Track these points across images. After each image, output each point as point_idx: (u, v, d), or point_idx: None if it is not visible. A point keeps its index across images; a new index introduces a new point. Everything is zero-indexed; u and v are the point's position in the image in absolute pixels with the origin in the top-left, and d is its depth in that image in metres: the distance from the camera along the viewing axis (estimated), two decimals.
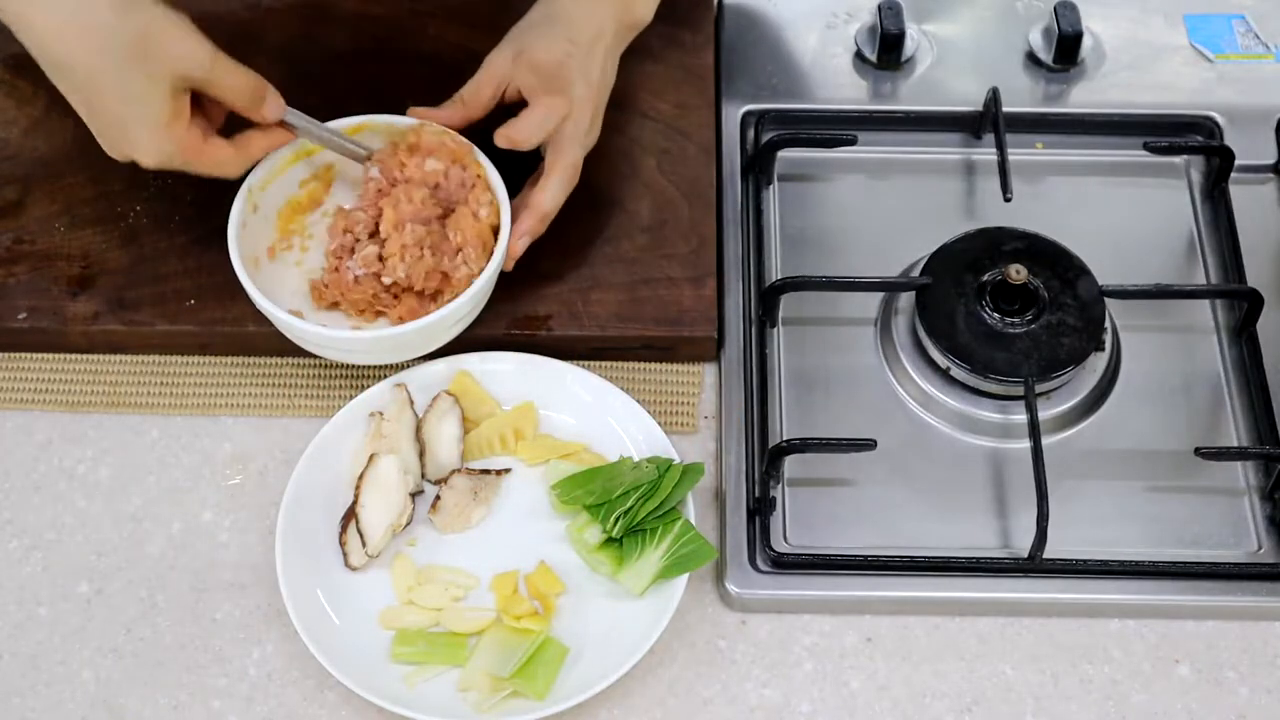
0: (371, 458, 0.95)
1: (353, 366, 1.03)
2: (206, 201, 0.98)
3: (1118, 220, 1.10)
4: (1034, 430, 0.96)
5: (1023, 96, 1.15)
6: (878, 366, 1.03)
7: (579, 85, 0.99)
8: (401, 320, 0.97)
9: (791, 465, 0.97)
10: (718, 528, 0.97)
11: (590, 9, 1.01)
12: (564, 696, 0.88)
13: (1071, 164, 1.13)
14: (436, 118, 1.01)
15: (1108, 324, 1.02)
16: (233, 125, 0.97)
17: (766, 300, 1.03)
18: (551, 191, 1.00)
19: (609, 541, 0.93)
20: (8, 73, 1.15)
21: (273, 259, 1.01)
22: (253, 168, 0.98)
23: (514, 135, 0.99)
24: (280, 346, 1.00)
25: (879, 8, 1.17)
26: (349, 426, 0.98)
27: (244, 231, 0.98)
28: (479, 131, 1.02)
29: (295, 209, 1.03)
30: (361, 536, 0.93)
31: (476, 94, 1.01)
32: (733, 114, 1.15)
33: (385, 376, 1.00)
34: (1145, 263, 1.08)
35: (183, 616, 0.94)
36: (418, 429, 0.98)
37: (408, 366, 1.00)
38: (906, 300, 1.04)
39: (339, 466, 0.97)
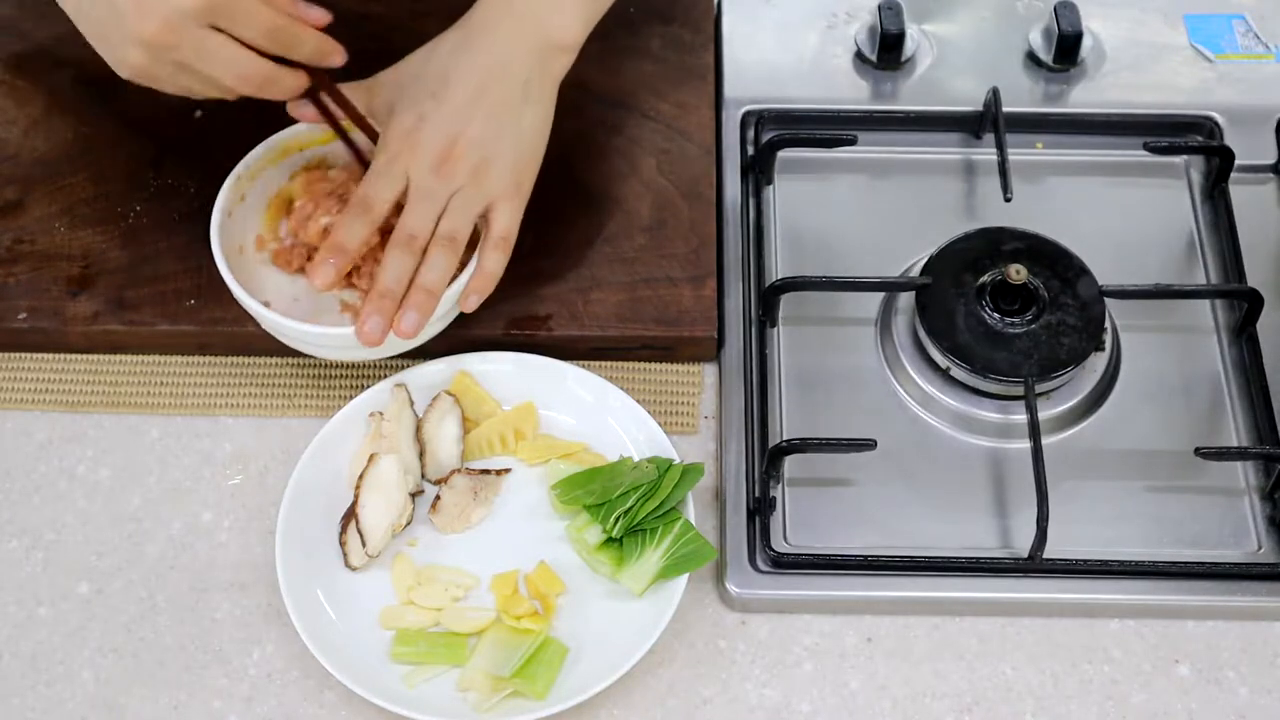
0: (371, 458, 0.95)
1: (353, 366, 1.03)
2: (207, 201, 0.98)
3: (1118, 220, 1.10)
4: (1034, 430, 0.96)
5: (1023, 96, 1.15)
6: (878, 366, 1.03)
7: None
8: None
9: (791, 465, 0.97)
10: (718, 528, 0.97)
11: (473, 57, 0.97)
12: (564, 696, 0.88)
13: (1071, 164, 1.13)
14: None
15: (1108, 324, 1.02)
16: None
17: (766, 300, 1.03)
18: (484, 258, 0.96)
19: (609, 541, 0.93)
20: (8, 73, 1.15)
21: (260, 250, 1.01)
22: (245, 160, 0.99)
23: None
24: (280, 346, 1.00)
25: (879, 8, 1.17)
26: (349, 426, 0.98)
27: (228, 221, 0.97)
28: None
29: (284, 200, 1.02)
30: (361, 536, 0.93)
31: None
32: (733, 114, 1.14)
33: (385, 376, 1.00)
34: (1145, 263, 1.08)
35: (183, 616, 0.94)
36: (418, 429, 0.98)
37: (407, 367, 1.00)
38: (906, 300, 1.04)
39: (339, 466, 0.97)
